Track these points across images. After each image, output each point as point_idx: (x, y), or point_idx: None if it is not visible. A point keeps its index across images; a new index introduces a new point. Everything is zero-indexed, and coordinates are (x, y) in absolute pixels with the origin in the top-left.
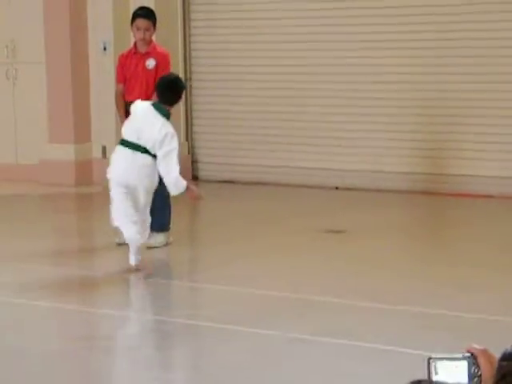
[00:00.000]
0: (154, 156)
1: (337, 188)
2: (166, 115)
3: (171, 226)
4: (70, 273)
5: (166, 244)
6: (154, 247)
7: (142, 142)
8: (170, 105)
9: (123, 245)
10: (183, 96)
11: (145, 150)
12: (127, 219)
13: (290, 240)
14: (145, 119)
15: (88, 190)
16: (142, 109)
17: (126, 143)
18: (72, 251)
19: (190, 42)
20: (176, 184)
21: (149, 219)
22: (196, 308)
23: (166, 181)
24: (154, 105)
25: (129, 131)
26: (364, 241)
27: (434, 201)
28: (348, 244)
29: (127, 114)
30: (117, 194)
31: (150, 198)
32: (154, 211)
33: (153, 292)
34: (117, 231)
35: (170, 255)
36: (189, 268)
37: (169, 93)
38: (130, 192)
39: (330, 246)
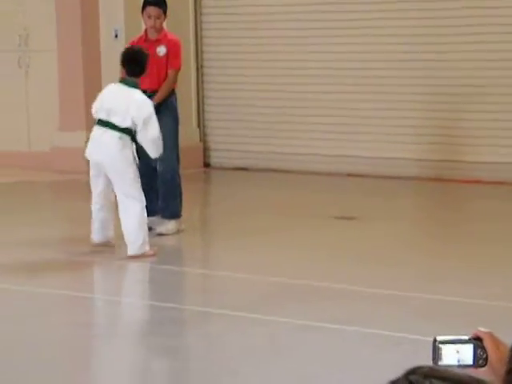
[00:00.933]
0: (125, 131)
1: (349, 175)
2: (135, 87)
3: (183, 213)
4: (79, 260)
5: (178, 231)
6: (166, 234)
7: (112, 119)
8: (136, 76)
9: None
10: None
11: (113, 126)
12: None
13: (301, 227)
14: (114, 95)
15: None
16: (110, 88)
17: (99, 122)
18: (82, 238)
19: (201, 29)
20: (156, 142)
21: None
22: (207, 295)
23: (147, 143)
24: (121, 81)
25: (99, 110)
26: (376, 227)
27: (446, 187)
28: (360, 230)
29: None
30: (90, 177)
31: (125, 185)
32: (165, 198)
33: (164, 279)
34: None
35: (182, 242)
36: (200, 255)
37: (133, 65)
38: (102, 174)
39: (341, 232)
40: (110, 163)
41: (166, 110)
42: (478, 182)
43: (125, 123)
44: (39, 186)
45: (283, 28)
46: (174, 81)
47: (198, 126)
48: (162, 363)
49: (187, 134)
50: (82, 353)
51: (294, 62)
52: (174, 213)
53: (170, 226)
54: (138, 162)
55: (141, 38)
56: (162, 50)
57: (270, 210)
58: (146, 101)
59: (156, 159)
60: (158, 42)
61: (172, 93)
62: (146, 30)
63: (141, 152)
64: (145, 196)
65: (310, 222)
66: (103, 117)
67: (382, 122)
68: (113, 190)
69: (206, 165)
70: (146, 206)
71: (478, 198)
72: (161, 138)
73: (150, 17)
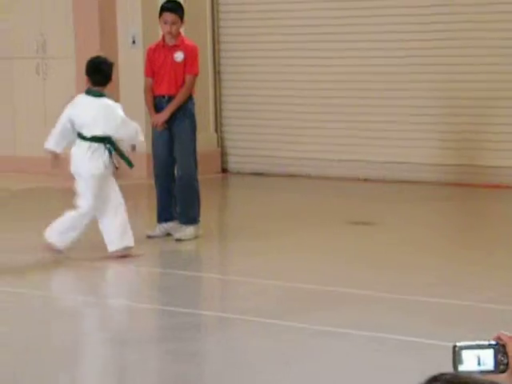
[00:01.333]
0: (94, 139)
1: (365, 180)
2: (101, 96)
3: (200, 218)
4: (94, 266)
5: (196, 237)
6: (184, 240)
7: (82, 130)
8: (102, 86)
9: (154, 238)
10: (113, 75)
11: (83, 137)
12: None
13: (318, 232)
14: (81, 107)
15: (117, 183)
16: (78, 101)
17: (78, 135)
18: (101, 244)
19: (218, 35)
20: (138, 132)
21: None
22: (225, 301)
23: (136, 141)
24: (86, 92)
25: (77, 123)
26: (393, 233)
27: (464, 192)
28: (376, 236)
29: (156, 107)
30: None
31: (88, 193)
32: (183, 204)
33: (182, 285)
34: (151, 224)
35: (200, 248)
36: (218, 261)
37: (97, 75)
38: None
39: (358, 237)
40: (79, 173)
41: (183, 115)
42: (497, 186)
43: (93, 133)
44: (56, 192)
45: (301, 33)
46: (192, 86)
47: (216, 131)
48: (180, 368)
49: (205, 139)
50: (100, 358)
51: (312, 68)
52: (192, 218)
53: (188, 231)
54: (114, 169)
55: (158, 43)
56: (179, 56)
57: (287, 215)
58: (113, 106)
59: (174, 162)
60: (175, 47)
61: (189, 98)
62: (163, 36)
63: (157, 157)
64: (162, 201)
65: (327, 228)
66: (78, 129)
67: (399, 127)
68: (109, 193)
69: (224, 170)
70: (164, 212)
71: (497, 203)
72: (138, 127)
73: (166, 23)
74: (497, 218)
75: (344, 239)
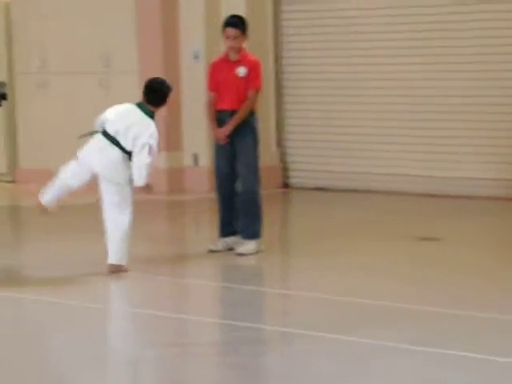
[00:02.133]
0: (127, 153)
1: (430, 195)
2: (149, 114)
3: (262, 233)
4: (159, 280)
5: (258, 252)
6: (246, 255)
7: (119, 137)
8: (153, 106)
9: (216, 252)
10: (168, 99)
11: (118, 144)
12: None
13: (383, 247)
14: (128, 116)
15: (180, 197)
16: (126, 107)
17: (104, 133)
18: (163, 258)
19: (281, 49)
20: (140, 169)
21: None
22: (288, 315)
23: (133, 168)
24: (137, 104)
25: (109, 124)
26: (458, 248)
27: None
28: (442, 252)
29: (219, 122)
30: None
31: (115, 197)
32: (245, 219)
33: (244, 299)
34: (213, 239)
35: (262, 263)
36: (280, 275)
37: (152, 94)
38: (86, 172)
39: (423, 253)
40: (104, 171)
41: (245, 130)
42: None
43: (127, 146)
44: None
45: (362, 48)
46: (254, 101)
47: (278, 146)
48: (241, 383)
49: (267, 154)
50: (160, 372)
51: (374, 82)
52: (254, 233)
53: (249, 246)
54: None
55: (222, 58)
56: (242, 71)
57: (349, 230)
58: (151, 133)
59: (236, 177)
60: (238, 62)
61: (252, 113)
62: (226, 51)
63: (219, 171)
64: (224, 216)
65: (391, 243)
66: (111, 132)
67: (463, 142)
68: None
69: (286, 185)
70: (226, 226)
71: None
72: (147, 167)
73: (228, 37)
74: None
75: (409, 255)
